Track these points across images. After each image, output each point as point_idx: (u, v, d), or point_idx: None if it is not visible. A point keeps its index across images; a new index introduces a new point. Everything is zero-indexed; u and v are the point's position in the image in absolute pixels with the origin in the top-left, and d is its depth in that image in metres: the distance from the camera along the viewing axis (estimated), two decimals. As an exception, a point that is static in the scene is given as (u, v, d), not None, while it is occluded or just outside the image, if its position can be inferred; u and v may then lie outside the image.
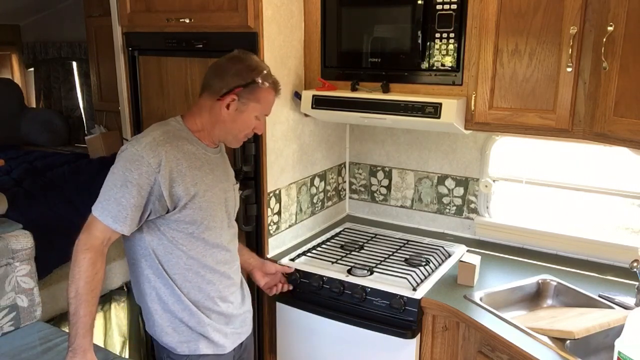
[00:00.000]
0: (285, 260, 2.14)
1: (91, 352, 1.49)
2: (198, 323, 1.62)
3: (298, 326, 2.10)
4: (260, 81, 1.57)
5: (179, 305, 1.60)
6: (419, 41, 1.95)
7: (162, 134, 1.53)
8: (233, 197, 1.72)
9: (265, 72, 1.59)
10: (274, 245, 2.22)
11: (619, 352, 1.40)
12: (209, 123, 1.60)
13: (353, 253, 2.21)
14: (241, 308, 1.76)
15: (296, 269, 2.08)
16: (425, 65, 1.97)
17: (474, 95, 1.89)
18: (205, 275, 1.62)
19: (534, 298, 1.96)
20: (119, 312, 2.75)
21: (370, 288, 1.92)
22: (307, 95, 2.11)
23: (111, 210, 1.45)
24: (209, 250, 1.61)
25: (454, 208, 2.42)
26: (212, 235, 1.61)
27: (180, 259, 1.58)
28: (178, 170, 1.50)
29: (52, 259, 2.41)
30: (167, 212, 1.52)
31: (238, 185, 1.80)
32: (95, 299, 1.48)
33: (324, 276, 2.02)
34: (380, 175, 2.60)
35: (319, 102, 2.09)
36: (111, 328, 2.73)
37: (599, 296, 1.83)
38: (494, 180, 2.30)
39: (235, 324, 1.73)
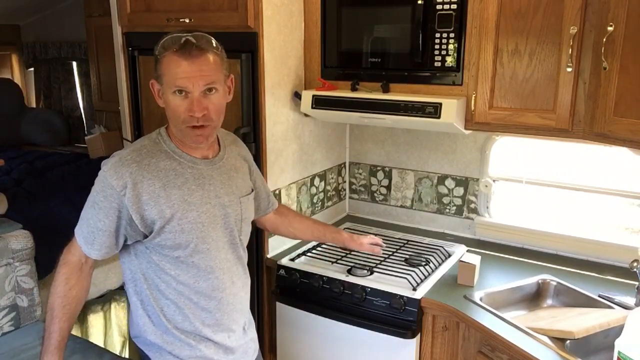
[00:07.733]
0: (285, 260, 2.14)
1: None
2: (190, 354, 1.48)
3: (298, 326, 2.10)
4: (158, 52, 1.35)
5: (168, 336, 1.47)
6: (419, 41, 1.95)
7: (131, 152, 1.39)
8: (239, 211, 1.52)
9: (163, 39, 1.35)
10: (274, 245, 2.22)
11: (619, 352, 1.40)
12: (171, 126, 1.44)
13: (353, 253, 2.20)
14: (243, 338, 1.60)
15: (296, 269, 2.08)
16: (425, 65, 1.97)
17: (474, 95, 1.89)
18: (199, 302, 1.46)
19: (534, 298, 1.96)
20: (119, 312, 2.75)
21: (370, 288, 1.92)
22: (307, 95, 2.11)
23: (83, 231, 1.41)
24: (202, 276, 1.45)
25: (454, 208, 2.42)
26: (205, 258, 1.44)
27: (170, 284, 1.43)
28: (150, 191, 1.35)
29: (52, 258, 2.39)
30: (145, 237, 1.40)
31: (252, 194, 1.61)
32: (68, 315, 1.42)
33: (324, 276, 2.02)
34: (380, 175, 2.60)
35: (319, 102, 2.09)
36: (111, 328, 2.74)
37: (599, 296, 1.83)
38: (494, 180, 2.30)
39: (235, 354, 1.56)
